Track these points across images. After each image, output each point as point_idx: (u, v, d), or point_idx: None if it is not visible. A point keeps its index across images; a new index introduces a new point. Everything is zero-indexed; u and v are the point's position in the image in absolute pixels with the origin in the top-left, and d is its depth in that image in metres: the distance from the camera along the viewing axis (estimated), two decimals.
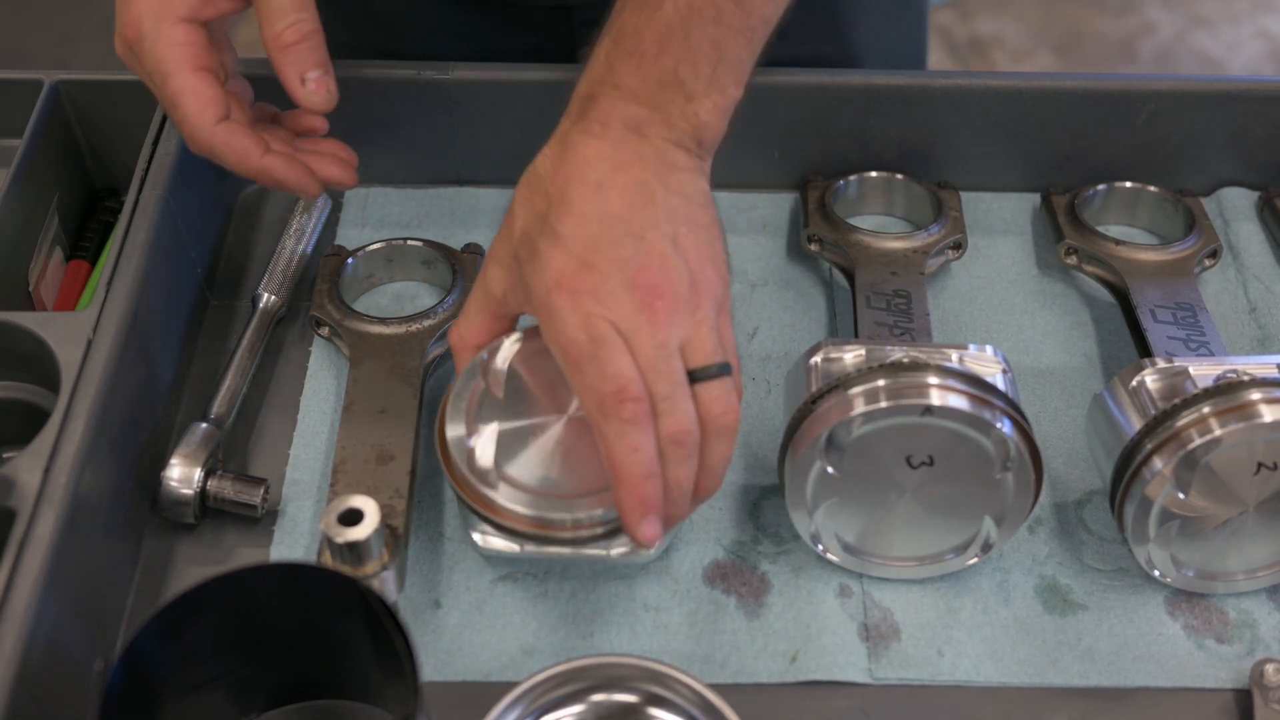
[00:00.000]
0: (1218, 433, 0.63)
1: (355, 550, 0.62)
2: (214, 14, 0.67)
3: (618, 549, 0.67)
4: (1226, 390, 0.65)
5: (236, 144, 0.68)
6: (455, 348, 0.67)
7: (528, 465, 0.65)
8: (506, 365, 0.68)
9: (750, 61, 0.65)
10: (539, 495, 0.64)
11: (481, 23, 0.91)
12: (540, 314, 0.61)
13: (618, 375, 0.58)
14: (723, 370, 0.60)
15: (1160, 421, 0.65)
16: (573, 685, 0.61)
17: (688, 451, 0.59)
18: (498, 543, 0.67)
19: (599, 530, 0.64)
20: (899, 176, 0.88)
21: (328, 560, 0.63)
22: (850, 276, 0.81)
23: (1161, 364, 0.68)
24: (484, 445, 0.65)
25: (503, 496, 0.64)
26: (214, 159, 0.69)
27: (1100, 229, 0.85)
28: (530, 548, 0.67)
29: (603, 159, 0.61)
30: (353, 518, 0.63)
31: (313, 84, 0.68)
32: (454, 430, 0.66)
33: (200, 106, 0.67)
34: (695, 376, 0.60)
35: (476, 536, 0.68)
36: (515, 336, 0.68)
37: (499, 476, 0.64)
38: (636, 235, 0.60)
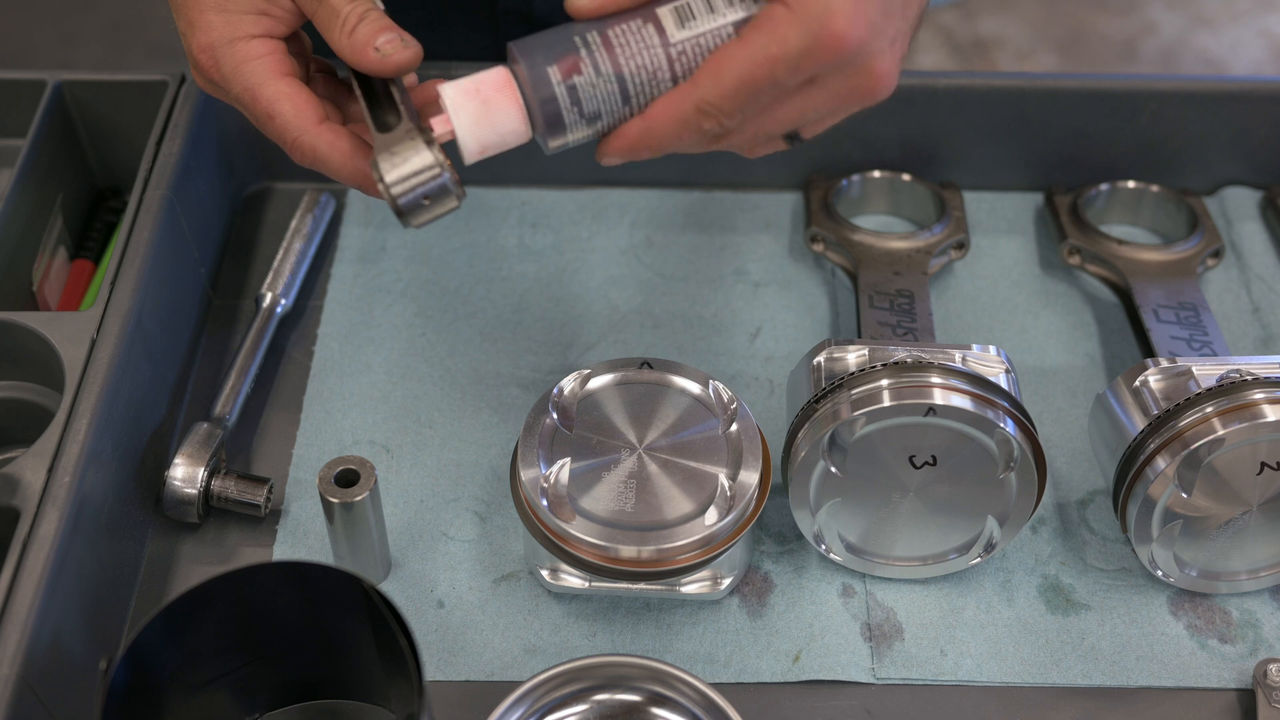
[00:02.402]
0: (1221, 432, 0.63)
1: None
2: (284, 31, 0.65)
3: (690, 586, 0.67)
4: (1229, 390, 0.65)
5: (341, 144, 0.64)
6: None
7: (600, 499, 0.64)
8: (577, 400, 0.68)
9: None
10: (611, 528, 0.63)
11: (404, 11, 0.90)
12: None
13: (734, 110, 0.57)
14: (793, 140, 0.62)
15: (1163, 421, 0.66)
16: (576, 685, 0.61)
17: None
18: (566, 580, 0.67)
19: (670, 566, 0.64)
20: (902, 176, 0.88)
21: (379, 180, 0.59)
22: (853, 276, 0.81)
23: (1164, 364, 0.68)
24: (556, 479, 0.64)
25: (575, 529, 0.63)
26: (319, 164, 0.65)
27: (1103, 229, 0.85)
28: (598, 583, 0.67)
29: None
30: (348, 478, 0.64)
31: (386, 44, 0.63)
32: (527, 465, 0.65)
33: (298, 108, 0.63)
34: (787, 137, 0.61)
35: (544, 573, 0.67)
36: (585, 372, 0.68)
37: (572, 510, 0.64)
38: (891, 37, 0.59)
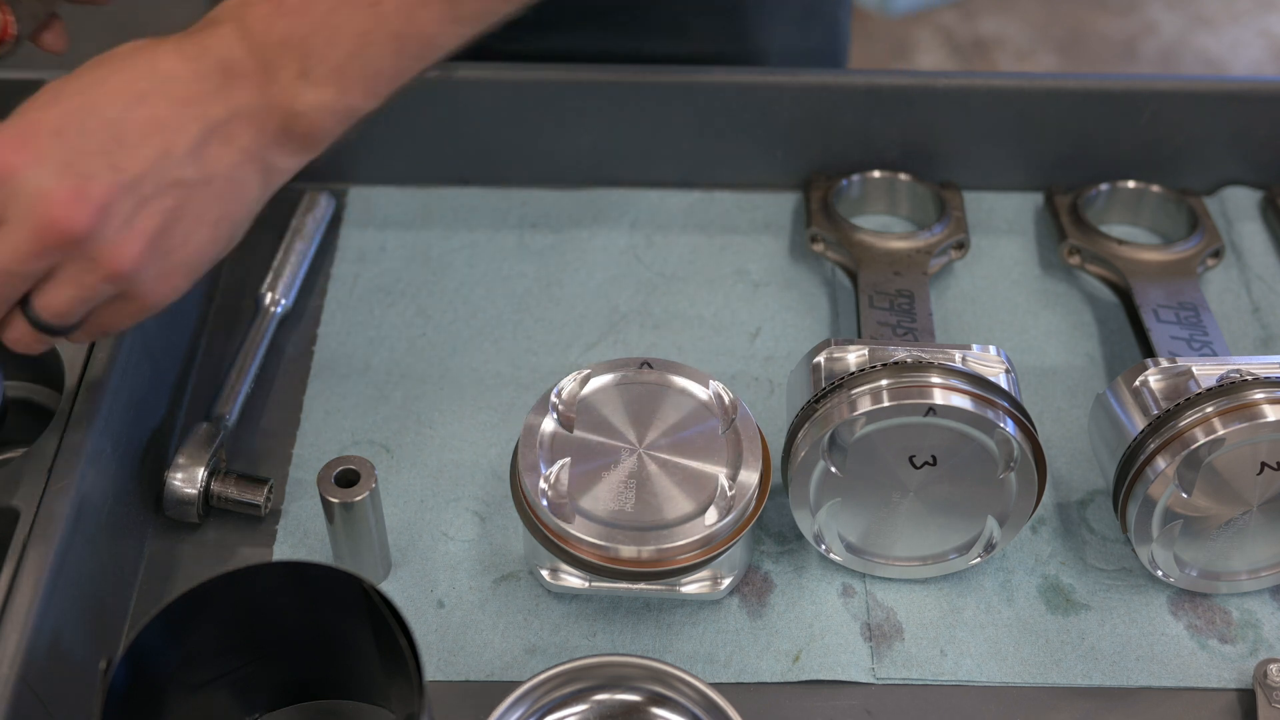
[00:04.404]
0: (1221, 432, 0.63)
1: None
2: None
3: (690, 586, 0.67)
4: (1230, 390, 0.65)
5: None
6: None
7: (600, 499, 0.64)
8: (577, 399, 0.67)
9: (393, 80, 0.60)
10: (611, 528, 0.63)
11: None
12: None
13: None
14: (57, 332, 0.58)
15: (1163, 421, 0.66)
16: (576, 685, 0.61)
17: None
18: (566, 580, 0.67)
19: (670, 566, 0.64)
20: (902, 176, 0.88)
21: None
22: (853, 276, 0.81)
23: (1164, 364, 0.68)
24: (556, 479, 0.64)
25: (575, 529, 0.63)
26: None
27: (1103, 229, 0.85)
28: (598, 583, 0.67)
29: (169, 81, 0.56)
30: (348, 478, 0.64)
31: None
32: (527, 465, 0.65)
33: None
34: (31, 317, 0.58)
35: (544, 574, 0.67)
36: (585, 372, 0.68)
37: (572, 510, 0.64)
38: (112, 164, 0.55)
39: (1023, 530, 0.71)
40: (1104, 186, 0.88)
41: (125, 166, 0.55)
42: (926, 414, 0.63)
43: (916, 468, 0.65)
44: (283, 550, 0.71)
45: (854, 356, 0.67)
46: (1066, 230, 0.84)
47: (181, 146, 0.56)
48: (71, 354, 0.67)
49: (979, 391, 0.64)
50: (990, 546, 0.68)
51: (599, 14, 0.90)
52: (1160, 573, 0.69)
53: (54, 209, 0.54)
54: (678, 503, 0.64)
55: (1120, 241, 0.83)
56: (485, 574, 0.70)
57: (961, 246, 0.84)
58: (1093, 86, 0.86)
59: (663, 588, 0.67)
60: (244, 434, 0.76)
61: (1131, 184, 0.88)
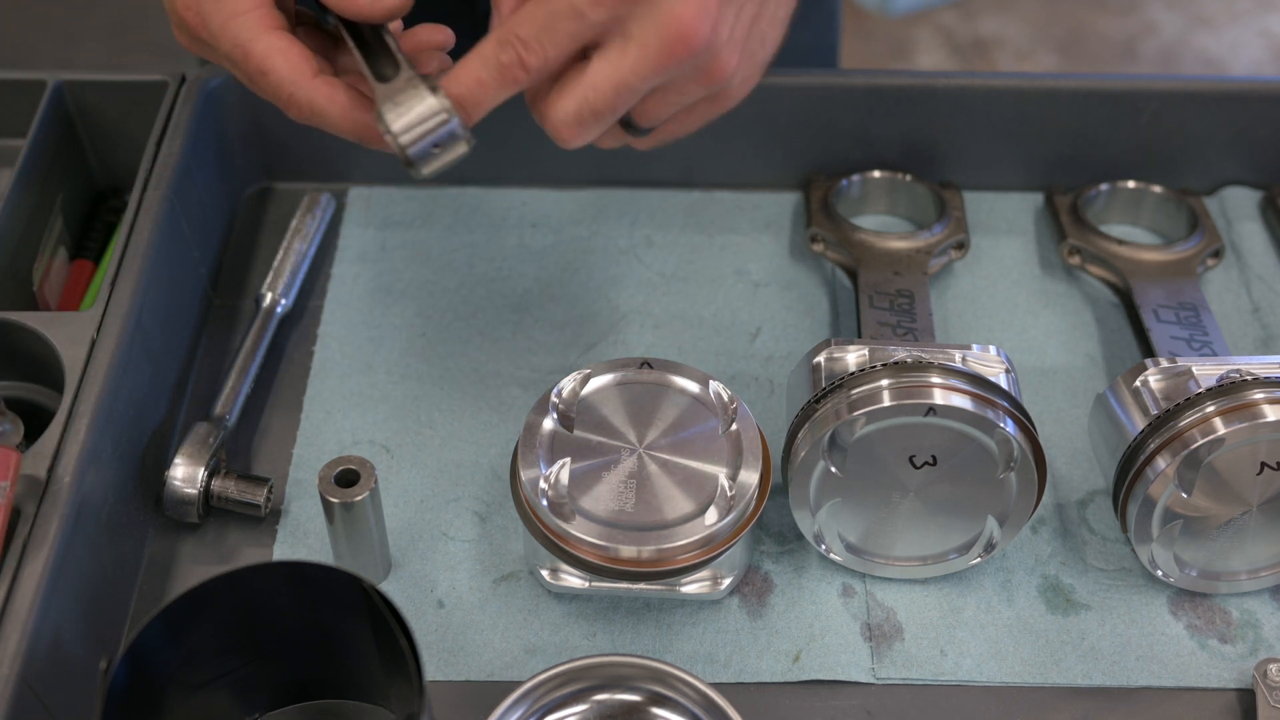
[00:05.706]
0: (1221, 432, 0.64)
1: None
2: None
3: (690, 586, 0.67)
4: (1229, 390, 0.65)
5: (339, 97, 0.62)
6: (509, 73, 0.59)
7: (600, 499, 0.64)
8: (577, 399, 0.67)
9: None
10: (611, 528, 0.63)
11: None
12: None
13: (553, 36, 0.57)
14: (641, 133, 0.62)
15: (1163, 421, 0.66)
16: (576, 685, 0.61)
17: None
18: (566, 580, 0.67)
19: (670, 566, 0.64)
20: (902, 176, 0.88)
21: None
22: (853, 276, 0.81)
23: (1164, 364, 0.68)
24: (557, 479, 0.64)
25: (575, 529, 0.63)
26: (317, 119, 0.63)
27: (1103, 229, 0.85)
28: (598, 583, 0.67)
29: None
30: (348, 478, 0.64)
31: None
32: (527, 465, 0.65)
33: (292, 62, 0.61)
34: (624, 120, 0.61)
35: (544, 574, 0.67)
36: (585, 372, 0.68)
37: (572, 510, 0.64)
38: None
39: (1023, 530, 0.71)
40: (1104, 186, 0.88)
41: None
42: (926, 414, 0.63)
43: (916, 468, 0.65)
44: (283, 550, 0.71)
45: (854, 356, 0.67)
46: (1066, 230, 0.84)
47: None
48: (71, 354, 0.67)
49: (979, 391, 0.64)
50: (990, 546, 0.68)
51: None
52: (1160, 573, 0.69)
53: (685, 25, 0.57)
54: (678, 503, 0.64)
55: (1120, 241, 0.83)
56: (485, 574, 0.70)
57: (961, 246, 0.84)
58: (1093, 86, 0.86)
59: (663, 588, 0.67)
60: (244, 434, 0.76)
61: (1131, 184, 0.88)
